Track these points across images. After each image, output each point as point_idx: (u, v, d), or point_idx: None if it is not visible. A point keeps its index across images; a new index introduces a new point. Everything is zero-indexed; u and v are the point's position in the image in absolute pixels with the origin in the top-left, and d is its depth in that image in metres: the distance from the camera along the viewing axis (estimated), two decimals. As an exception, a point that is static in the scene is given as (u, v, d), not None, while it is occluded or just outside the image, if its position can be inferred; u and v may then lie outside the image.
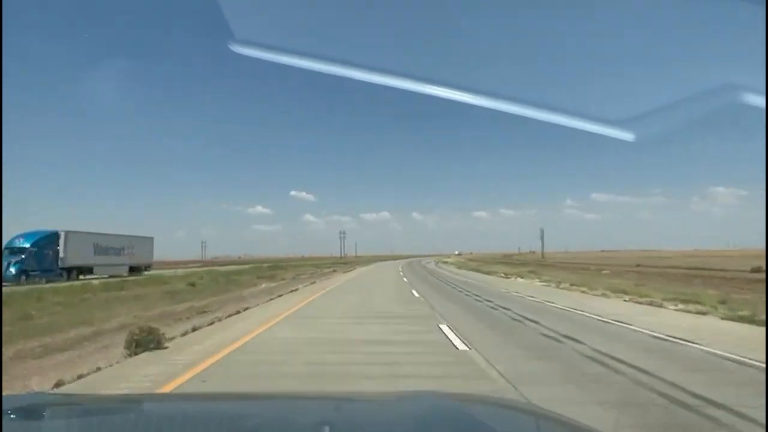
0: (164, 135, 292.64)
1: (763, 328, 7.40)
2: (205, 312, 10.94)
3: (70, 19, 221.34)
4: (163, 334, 6.91)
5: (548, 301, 12.89)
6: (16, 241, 28.35)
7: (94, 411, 1.46)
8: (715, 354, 5.98)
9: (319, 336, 7.75)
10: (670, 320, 9.14)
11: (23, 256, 27.56)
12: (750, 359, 5.57)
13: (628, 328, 8.20)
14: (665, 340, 7.01)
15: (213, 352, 6.21)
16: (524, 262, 61.58)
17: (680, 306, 11.26)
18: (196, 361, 5.72)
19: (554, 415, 1.39)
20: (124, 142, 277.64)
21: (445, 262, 69.72)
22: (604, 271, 32.26)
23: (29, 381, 5.18)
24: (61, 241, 30.03)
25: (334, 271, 39.32)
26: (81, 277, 30.41)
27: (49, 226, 31.38)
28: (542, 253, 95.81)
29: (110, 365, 5.73)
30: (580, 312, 10.43)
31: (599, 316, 9.71)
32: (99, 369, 5.50)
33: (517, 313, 10.22)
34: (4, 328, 7.86)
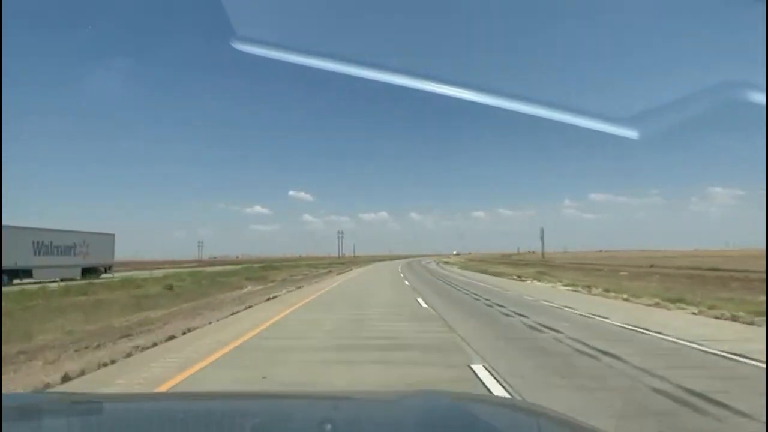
0: (162, 134, 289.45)
1: None
2: (129, 336, 7.70)
3: (70, 17, 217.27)
4: None
5: (598, 316, 9.82)
6: None
7: (94, 410, 1.44)
8: None
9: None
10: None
11: None
12: None
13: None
14: None
15: None
16: (527, 262, 58.75)
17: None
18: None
19: (555, 414, 1.35)
20: (121, 141, 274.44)
21: (446, 263, 67.29)
22: (621, 273, 29.26)
23: None
24: None
25: (329, 272, 36.40)
26: (17, 281, 24.93)
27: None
28: (542, 253, 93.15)
29: None
30: (659, 335, 7.37)
31: (699, 344, 6.63)
32: None
33: (576, 339, 7.08)
34: None
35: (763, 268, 25.93)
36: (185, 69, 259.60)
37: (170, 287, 19.18)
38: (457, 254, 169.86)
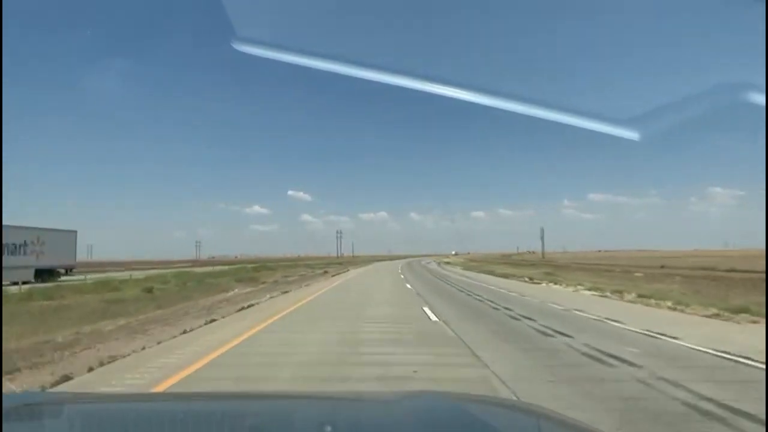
0: (162, 134, 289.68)
1: None
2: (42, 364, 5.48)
3: (70, 17, 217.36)
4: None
5: (666, 336, 7.35)
6: None
7: (94, 410, 1.44)
8: None
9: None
10: None
11: None
12: None
13: None
14: None
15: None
16: (529, 262, 58.57)
17: None
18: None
19: (555, 414, 1.36)
20: (121, 141, 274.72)
21: (447, 263, 67.14)
22: (636, 274, 27.70)
23: None
24: None
25: (325, 272, 36.04)
26: None
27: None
28: (542, 253, 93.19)
29: None
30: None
31: None
32: None
33: (669, 380, 4.67)
34: None
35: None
36: (185, 69, 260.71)
37: (149, 290, 17.98)
38: (456, 254, 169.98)
